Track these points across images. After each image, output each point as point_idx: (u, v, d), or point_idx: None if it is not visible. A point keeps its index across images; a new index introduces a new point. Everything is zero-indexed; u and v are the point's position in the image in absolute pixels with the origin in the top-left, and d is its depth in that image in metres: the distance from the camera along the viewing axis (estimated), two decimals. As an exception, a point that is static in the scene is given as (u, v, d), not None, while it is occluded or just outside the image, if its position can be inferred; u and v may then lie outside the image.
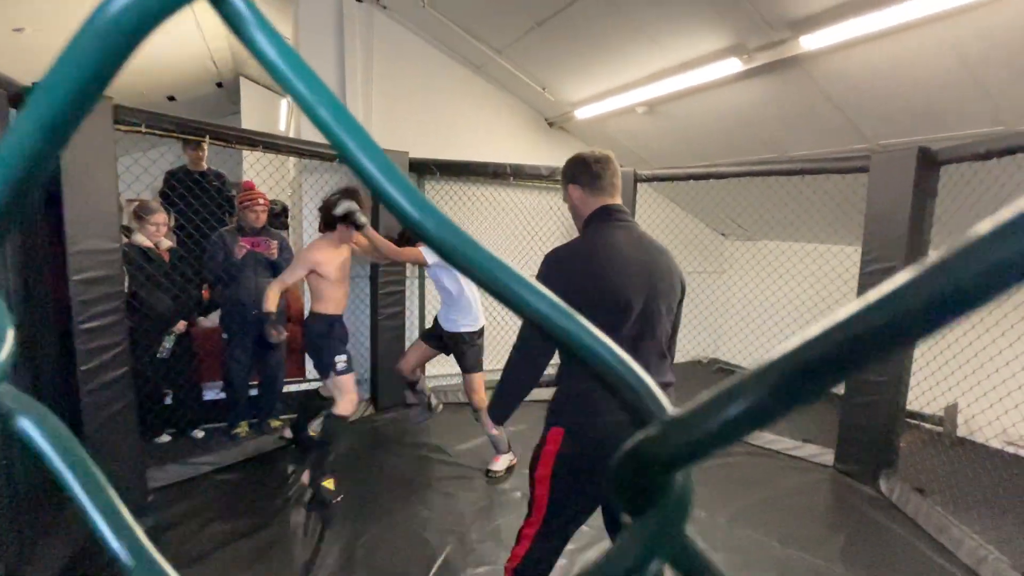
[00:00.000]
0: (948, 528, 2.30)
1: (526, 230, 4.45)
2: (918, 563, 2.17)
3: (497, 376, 1.56)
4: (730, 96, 3.27)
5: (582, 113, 4.16)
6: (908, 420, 3.19)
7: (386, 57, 4.01)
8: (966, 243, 0.11)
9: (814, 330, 0.13)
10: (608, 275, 1.33)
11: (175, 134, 2.77)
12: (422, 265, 2.92)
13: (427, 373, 3.13)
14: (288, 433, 3.18)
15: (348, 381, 2.63)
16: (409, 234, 2.84)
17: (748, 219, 4.46)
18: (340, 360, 2.62)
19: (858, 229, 2.97)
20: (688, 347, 5.20)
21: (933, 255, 0.11)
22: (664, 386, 1.40)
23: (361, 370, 3.92)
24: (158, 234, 2.98)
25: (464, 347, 2.89)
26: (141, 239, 2.91)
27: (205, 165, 3.75)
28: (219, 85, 7.18)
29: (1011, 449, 3.19)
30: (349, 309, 3.08)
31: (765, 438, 3.33)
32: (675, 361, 1.52)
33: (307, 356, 3.59)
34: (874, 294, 0.12)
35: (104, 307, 2.27)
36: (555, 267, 1.37)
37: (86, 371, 2.20)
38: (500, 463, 2.91)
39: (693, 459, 0.15)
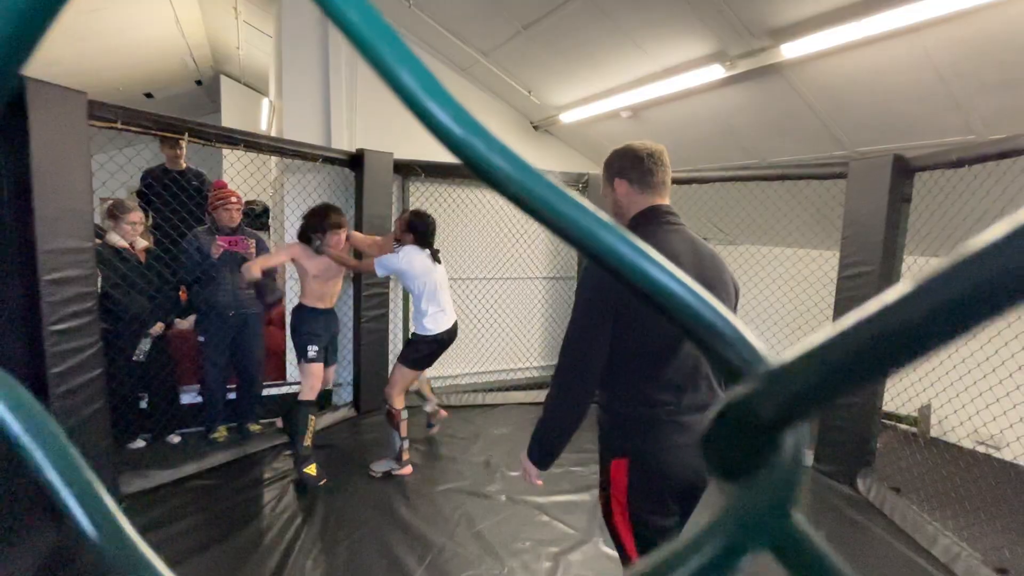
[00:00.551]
0: (923, 526, 2.36)
1: (512, 232, 4.45)
2: (895, 560, 2.22)
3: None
4: (713, 102, 3.32)
5: (567, 117, 4.19)
6: (884, 421, 3.26)
7: (371, 57, 3.97)
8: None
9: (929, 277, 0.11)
10: None
11: (152, 131, 2.69)
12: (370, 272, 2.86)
13: (427, 374, 3.08)
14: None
15: (314, 369, 2.80)
16: (400, 236, 2.81)
17: (730, 224, 4.53)
18: (312, 349, 2.79)
19: (836, 234, 3.03)
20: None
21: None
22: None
23: (345, 373, 3.87)
24: (133, 233, 2.91)
25: (413, 345, 2.83)
26: (116, 238, 2.83)
27: (184, 164, 3.67)
28: (199, 83, 7.05)
29: (982, 448, 3.29)
30: (332, 311, 3.05)
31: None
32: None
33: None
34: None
35: (76, 308, 2.20)
36: (607, 276, 1.30)
37: (56, 374, 2.13)
38: (382, 465, 2.84)
39: (804, 414, 0.13)
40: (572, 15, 3.09)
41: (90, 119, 2.30)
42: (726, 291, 1.30)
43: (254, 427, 3.29)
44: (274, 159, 4.19)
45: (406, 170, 3.92)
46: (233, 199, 3.04)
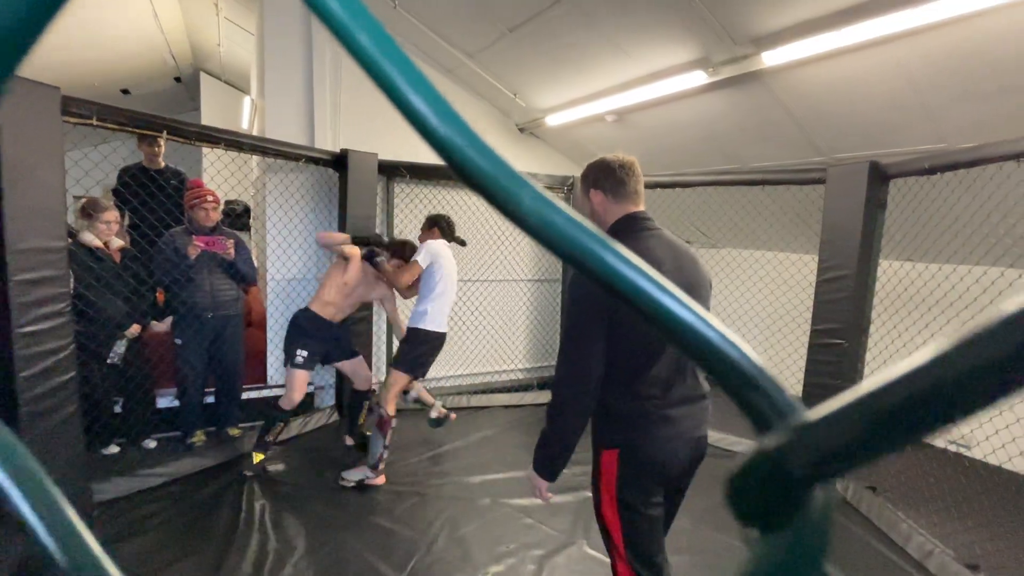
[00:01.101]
0: (897, 524, 2.42)
1: (497, 235, 4.45)
2: (871, 558, 2.27)
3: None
4: (696, 108, 3.37)
5: (553, 120, 4.20)
6: (860, 421, 3.34)
7: (355, 57, 3.94)
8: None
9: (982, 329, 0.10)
10: None
11: (129, 128, 2.63)
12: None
13: (426, 374, 3.04)
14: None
15: (298, 376, 2.79)
16: (424, 236, 2.95)
17: (712, 227, 4.59)
18: (300, 354, 2.78)
19: (815, 238, 3.10)
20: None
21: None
22: (701, 398, 1.35)
23: (327, 375, 3.82)
24: (108, 232, 2.83)
25: (410, 343, 2.78)
26: (89, 238, 2.75)
27: (162, 162, 3.59)
28: (178, 80, 6.92)
29: (953, 448, 3.38)
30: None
31: (728, 440, 3.42)
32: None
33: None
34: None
35: (48, 309, 2.13)
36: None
37: (26, 378, 2.06)
38: (355, 474, 2.75)
39: (837, 472, 0.12)
40: (558, 18, 3.11)
41: (64, 115, 2.24)
42: (705, 290, 1.36)
43: (234, 431, 3.22)
44: (256, 158, 4.13)
45: (391, 171, 3.89)
46: (209, 198, 2.98)
